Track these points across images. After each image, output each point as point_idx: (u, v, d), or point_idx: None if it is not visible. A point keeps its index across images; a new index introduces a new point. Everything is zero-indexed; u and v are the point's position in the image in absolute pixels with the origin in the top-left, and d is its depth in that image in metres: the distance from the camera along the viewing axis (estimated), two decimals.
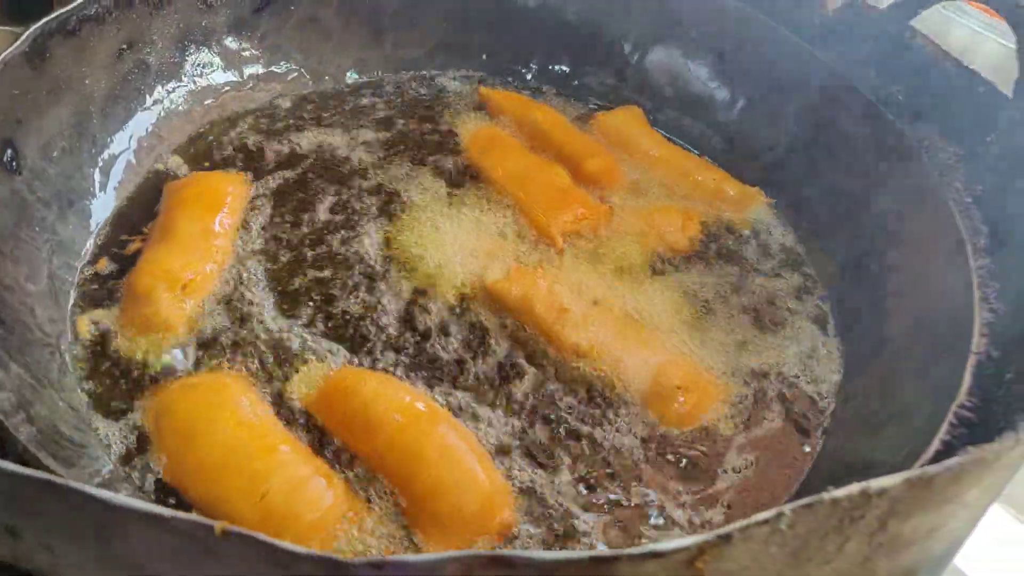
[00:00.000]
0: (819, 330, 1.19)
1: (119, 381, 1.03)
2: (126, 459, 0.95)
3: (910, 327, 1.07)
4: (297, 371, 1.05)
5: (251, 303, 1.13)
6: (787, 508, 0.60)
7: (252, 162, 1.36)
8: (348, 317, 1.13)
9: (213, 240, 1.18)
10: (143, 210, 1.26)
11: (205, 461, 0.93)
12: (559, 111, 1.51)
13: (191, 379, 1.05)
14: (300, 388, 1.03)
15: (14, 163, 1.10)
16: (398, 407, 0.97)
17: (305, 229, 1.25)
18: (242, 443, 0.93)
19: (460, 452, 0.93)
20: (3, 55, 1.10)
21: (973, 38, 2.01)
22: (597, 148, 1.42)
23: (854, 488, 0.61)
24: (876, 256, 1.18)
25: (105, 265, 1.16)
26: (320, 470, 0.92)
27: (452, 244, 1.23)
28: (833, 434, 1.05)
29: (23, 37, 1.13)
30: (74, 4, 1.20)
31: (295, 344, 1.09)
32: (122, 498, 0.56)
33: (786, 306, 1.21)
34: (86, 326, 1.09)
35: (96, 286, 1.14)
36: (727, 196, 1.36)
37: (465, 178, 1.36)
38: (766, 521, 0.59)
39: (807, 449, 1.05)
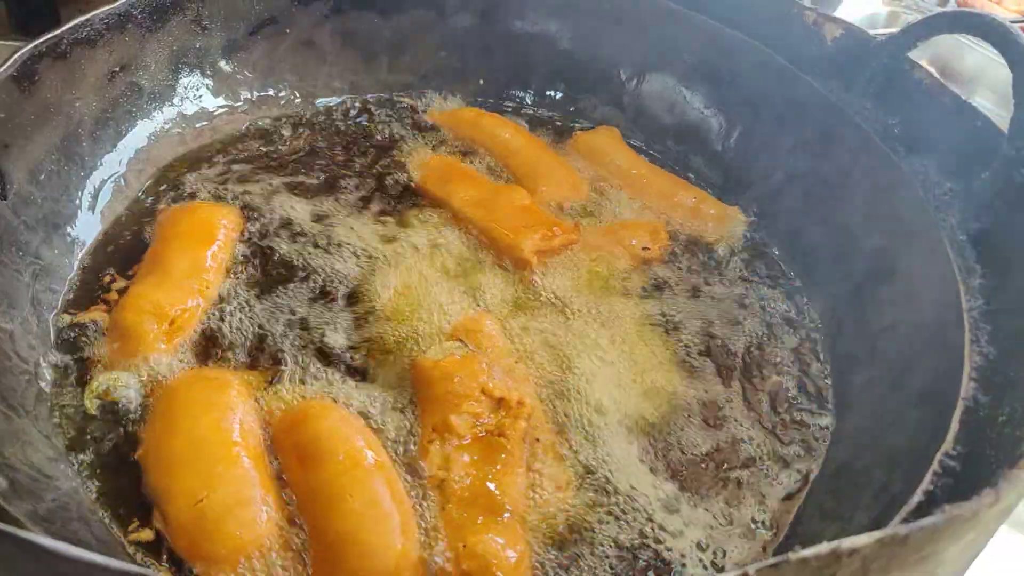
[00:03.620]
0: (807, 367, 1.17)
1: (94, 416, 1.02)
2: (99, 491, 0.94)
3: (899, 367, 1.04)
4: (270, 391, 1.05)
5: (235, 335, 1.12)
6: (751, 568, 0.58)
7: (240, 190, 1.35)
8: (323, 348, 1.11)
9: (203, 275, 1.16)
10: (130, 233, 1.25)
11: (172, 451, 0.94)
12: (546, 133, 1.53)
13: (205, 371, 1.06)
14: (270, 406, 1.02)
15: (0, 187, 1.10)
16: (345, 448, 0.94)
17: (288, 264, 1.23)
18: (211, 446, 0.94)
19: (385, 512, 0.89)
20: None
21: (984, 65, 2.00)
22: (562, 165, 1.42)
23: (823, 548, 0.58)
24: (868, 292, 1.16)
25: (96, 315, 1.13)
26: (267, 497, 0.91)
27: (423, 285, 1.19)
28: (819, 477, 1.03)
29: (11, 60, 1.13)
30: (65, 27, 1.20)
31: (278, 375, 1.07)
32: (64, 546, 0.55)
33: (777, 341, 1.19)
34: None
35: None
36: (706, 215, 1.35)
37: (424, 210, 1.33)
38: None
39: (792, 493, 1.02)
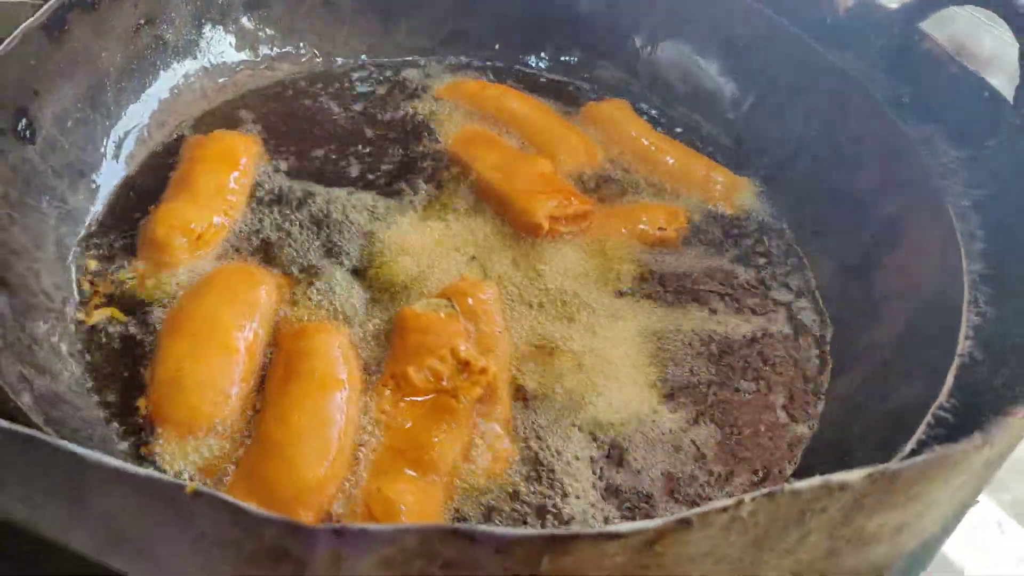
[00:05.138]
0: (810, 329, 1.19)
1: (117, 353, 1.05)
2: (121, 423, 0.98)
3: (901, 329, 1.06)
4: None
5: (257, 254, 1.19)
6: (747, 496, 0.61)
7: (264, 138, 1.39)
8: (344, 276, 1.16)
9: (227, 195, 1.23)
10: (153, 183, 1.28)
11: (184, 323, 1.04)
12: (557, 101, 1.54)
13: (247, 266, 1.15)
14: (291, 316, 1.09)
15: (27, 132, 1.13)
16: (324, 370, 0.97)
17: (305, 205, 1.27)
18: (216, 330, 1.02)
19: (326, 439, 0.91)
20: (22, 26, 1.12)
21: (1001, 48, 2.00)
22: (575, 132, 1.43)
23: (815, 481, 0.61)
24: (873, 257, 1.18)
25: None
26: (240, 391, 0.98)
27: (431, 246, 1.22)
28: (818, 434, 1.06)
29: (42, 9, 1.15)
30: None
31: (297, 294, 1.13)
32: (94, 454, 0.58)
33: (780, 302, 1.22)
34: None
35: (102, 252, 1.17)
36: (716, 184, 1.37)
37: (447, 177, 1.34)
38: (725, 509, 0.59)
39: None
